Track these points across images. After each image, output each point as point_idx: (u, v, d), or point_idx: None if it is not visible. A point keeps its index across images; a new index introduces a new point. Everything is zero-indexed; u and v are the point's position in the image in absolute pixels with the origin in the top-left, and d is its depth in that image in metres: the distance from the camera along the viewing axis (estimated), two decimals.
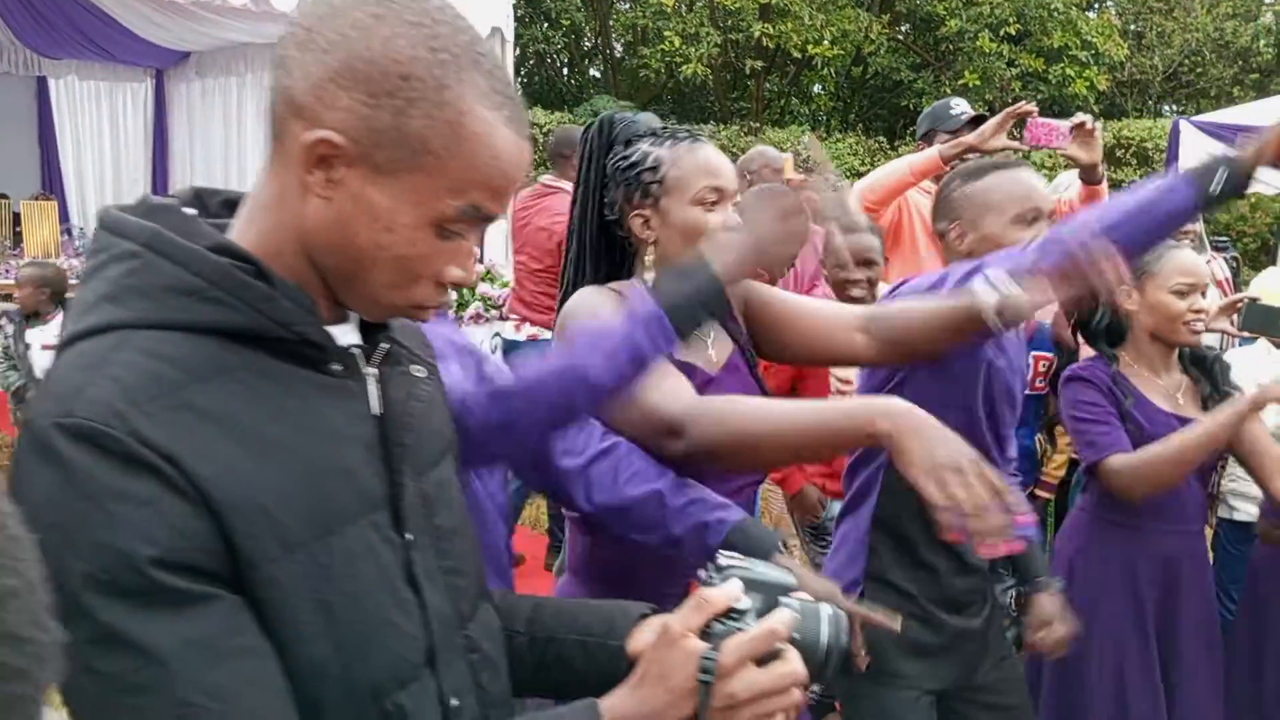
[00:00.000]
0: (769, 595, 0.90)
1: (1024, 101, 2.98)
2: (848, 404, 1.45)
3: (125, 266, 0.81)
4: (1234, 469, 2.91)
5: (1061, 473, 3.42)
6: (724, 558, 0.93)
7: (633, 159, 1.58)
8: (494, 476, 1.46)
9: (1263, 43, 16.45)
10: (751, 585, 0.90)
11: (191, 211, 0.87)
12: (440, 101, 0.79)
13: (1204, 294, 2.26)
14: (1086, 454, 2.21)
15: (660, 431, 1.41)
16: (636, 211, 1.58)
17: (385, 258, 0.82)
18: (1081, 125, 2.78)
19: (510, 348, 4.57)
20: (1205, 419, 2.15)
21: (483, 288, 4.53)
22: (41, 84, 9.32)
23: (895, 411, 1.26)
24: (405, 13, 0.79)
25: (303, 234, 0.83)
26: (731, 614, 0.87)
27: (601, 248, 1.65)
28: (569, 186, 4.53)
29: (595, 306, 1.52)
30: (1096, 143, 2.81)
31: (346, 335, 0.90)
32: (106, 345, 0.78)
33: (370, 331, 0.93)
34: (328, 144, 0.79)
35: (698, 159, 1.56)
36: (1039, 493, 3.39)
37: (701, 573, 0.93)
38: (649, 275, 1.60)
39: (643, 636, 1.00)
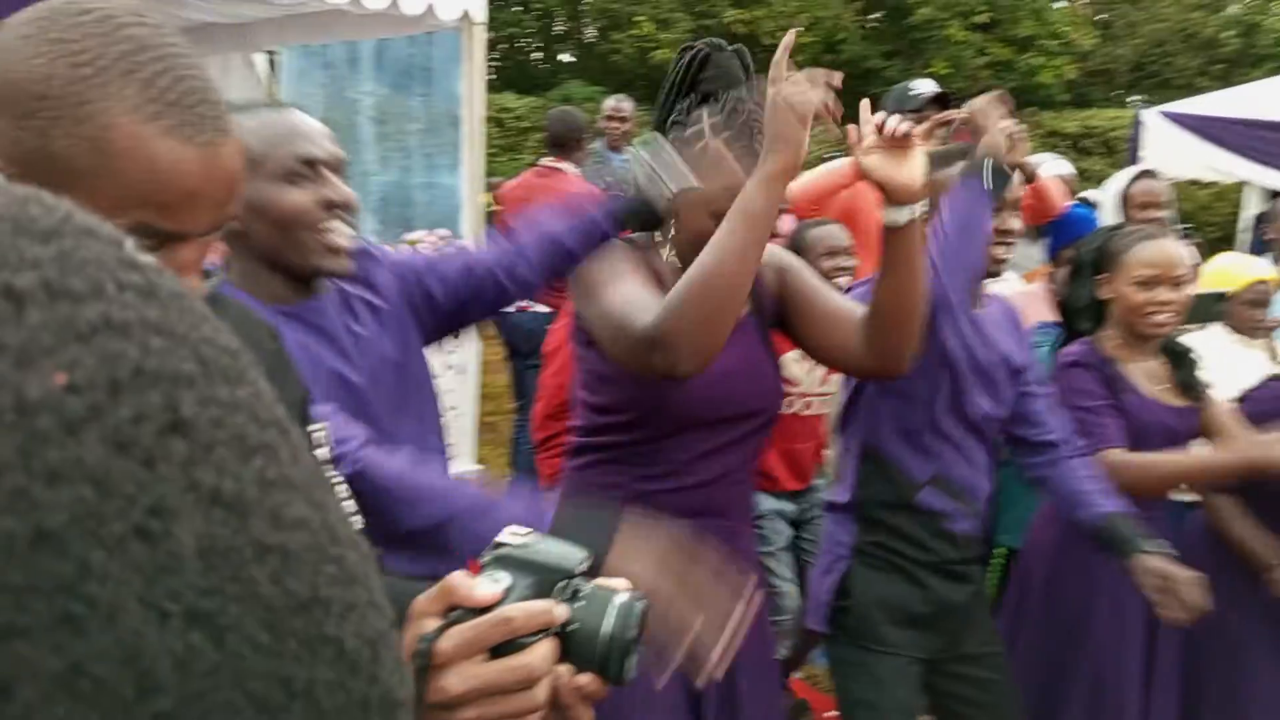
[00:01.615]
0: (545, 578, 0.77)
1: (948, 112, 3.07)
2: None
3: None
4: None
5: None
6: (506, 534, 0.80)
7: None
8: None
9: (1228, 34, 16.67)
10: (523, 566, 0.77)
11: None
12: (79, 118, 0.76)
13: (1178, 285, 2.20)
14: (1081, 442, 2.21)
15: (643, 355, 1.46)
16: None
17: None
18: None
19: None
20: (1212, 455, 2.16)
21: None
22: None
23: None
24: (53, 30, 0.77)
25: None
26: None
27: None
28: (568, 168, 4.52)
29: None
30: (1019, 147, 2.98)
31: None
32: None
33: None
34: None
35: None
36: None
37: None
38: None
39: None
